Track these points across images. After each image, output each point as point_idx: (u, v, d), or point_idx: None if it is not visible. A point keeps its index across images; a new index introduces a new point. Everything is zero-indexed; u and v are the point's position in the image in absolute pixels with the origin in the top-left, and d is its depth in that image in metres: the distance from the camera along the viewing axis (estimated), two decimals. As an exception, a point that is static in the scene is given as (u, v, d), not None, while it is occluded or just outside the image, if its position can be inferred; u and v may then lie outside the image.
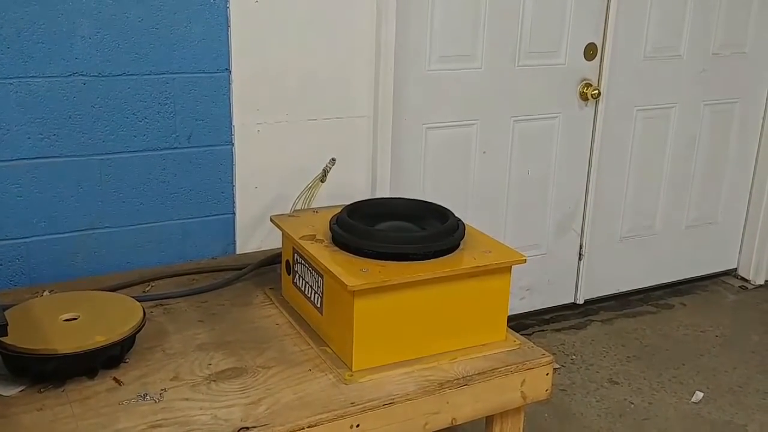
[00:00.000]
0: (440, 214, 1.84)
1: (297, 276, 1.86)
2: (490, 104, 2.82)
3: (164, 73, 2.11)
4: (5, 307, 1.58)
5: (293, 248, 1.86)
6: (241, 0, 2.16)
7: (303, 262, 1.81)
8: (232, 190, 2.29)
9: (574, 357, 2.95)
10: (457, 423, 1.65)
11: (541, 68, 2.89)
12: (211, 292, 1.99)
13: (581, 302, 3.30)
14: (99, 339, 1.55)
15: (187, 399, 1.51)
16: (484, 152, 2.86)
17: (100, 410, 1.46)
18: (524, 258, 1.74)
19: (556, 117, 2.99)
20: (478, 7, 2.68)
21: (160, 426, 1.42)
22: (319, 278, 1.73)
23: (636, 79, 3.14)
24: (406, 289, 1.62)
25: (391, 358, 1.65)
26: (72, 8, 1.95)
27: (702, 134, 3.40)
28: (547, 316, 3.23)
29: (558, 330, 3.15)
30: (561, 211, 3.12)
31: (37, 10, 1.92)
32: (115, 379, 1.56)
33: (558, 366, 2.85)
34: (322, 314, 1.74)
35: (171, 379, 1.57)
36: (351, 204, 1.89)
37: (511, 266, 1.74)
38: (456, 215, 1.84)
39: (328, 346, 1.72)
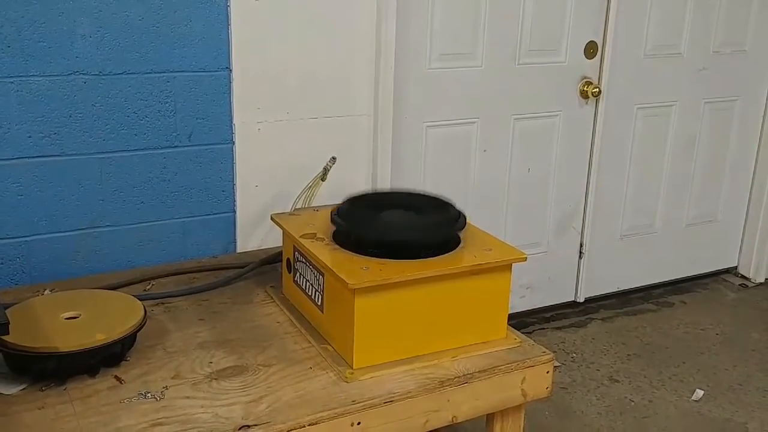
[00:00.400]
0: (442, 205, 1.85)
1: (298, 274, 1.86)
2: (490, 103, 2.82)
3: (165, 72, 2.11)
4: (6, 306, 1.58)
5: (294, 246, 1.86)
6: (241, -2, 2.17)
7: (303, 260, 1.81)
8: (233, 188, 2.29)
9: (574, 355, 2.95)
10: (458, 421, 1.65)
11: (542, 66, 2.89)
12: (212, 291, 1.99)
13: (581, 300, 3.31)
14: (100, 337, 1.55)
15: (188, 397, 1.51)
16: (484, 150, 2.86)
17: (102, 408, 1.46)
18: (525, 256, 1.74)
19: (557, 115, 2.99)
20: (478, 6, 2.68)
21: (161, 424, 1.42)
22: (320, 276, 1.73)
23: (636, 78, 3.13)
24: (406, 287, 1.62)
25: (392, 356, 1.65)
26: (72, 7, 1.95)
27: (702, 132, 3.40)
28: (547, 314, 3.23)
29: (558, 328, 3.15)
30: (561, 210, 3.12)
31: (38, 9, 1.92)
32: (116, 377, 1.57)
33: (558, 364, 2.85)
34: (322, 312, 1.75)
35: (172, 378, 1.58)
36: (351, 196, 1.89)
37: (511, 264, 1.74)
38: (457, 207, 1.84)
39: (328, 344, 1.72)
